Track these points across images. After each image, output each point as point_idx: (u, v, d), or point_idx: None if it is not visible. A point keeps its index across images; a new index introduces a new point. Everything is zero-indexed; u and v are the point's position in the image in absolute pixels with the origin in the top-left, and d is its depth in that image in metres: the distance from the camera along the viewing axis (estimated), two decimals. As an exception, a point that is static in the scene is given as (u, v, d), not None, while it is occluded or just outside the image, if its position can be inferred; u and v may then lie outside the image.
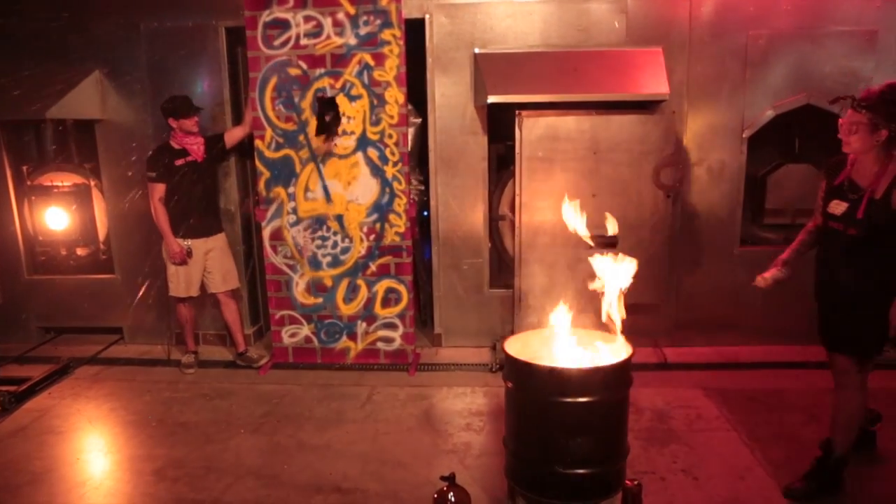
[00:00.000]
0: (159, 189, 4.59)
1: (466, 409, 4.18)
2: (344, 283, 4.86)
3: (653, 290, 4.75)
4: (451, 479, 2.75)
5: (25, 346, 5.41)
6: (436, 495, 2.77)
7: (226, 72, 4.97)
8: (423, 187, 5.18)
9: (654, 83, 4.48)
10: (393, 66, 4.53)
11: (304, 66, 4.58)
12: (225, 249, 4.93)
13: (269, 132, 4.69)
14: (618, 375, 2.69)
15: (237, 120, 4.99)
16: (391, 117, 4.60)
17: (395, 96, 4.56)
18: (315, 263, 4.85)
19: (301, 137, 4.68)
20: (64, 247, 5.51)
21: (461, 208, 5.03)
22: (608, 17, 4.68)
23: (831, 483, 3.14)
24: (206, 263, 4.81)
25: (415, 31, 4.75)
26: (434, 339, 5.29)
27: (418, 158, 5.17)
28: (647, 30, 4.68)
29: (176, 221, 4.65)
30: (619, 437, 2.80)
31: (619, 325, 2.84)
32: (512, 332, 3.11)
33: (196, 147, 4.66)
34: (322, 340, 4.96)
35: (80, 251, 5.54)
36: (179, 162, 4.61)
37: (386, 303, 4.86)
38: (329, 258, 4.83)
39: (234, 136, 4.85)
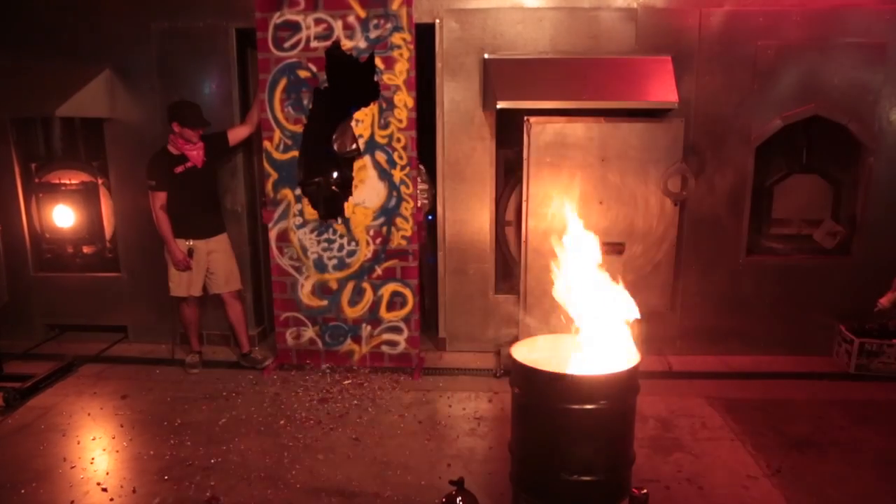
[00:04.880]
0: (160, 197, 4.57)
1: (471, 413, 4.18)
2: (349, 286, 4.86)
3: (659, 297, 4.75)
4: (459, 484, 2.74)
5: (30, 342, 5.42)
6: (444, 499, 2.76)
7: (235, 73, 4.98)
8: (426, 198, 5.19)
9: (663, 91, 4.49)
10: (402, 70, 4.54)
11: (313, 68, 4.60)
12: (227, 250, 4.92)
13: (277, 133, 4.70)
14: (625, 383, 2.69)
15: (246, 122, 5.00)
16: (400, 121, 4.60)
17: (405, 100, 4.57)
18: (320, 266, 4.85)
19: (309, 139, 4.69)
20: (70, 244, 5.52)
21: (468, 213, 5.03)
22: (618, 25, 4.69)
23: None
24: (209, 265, 4.81)
25: (425, 36, 4.76)
26: (438, 344, 5.28)
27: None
28: (656, 38, 4.69)
29: (177, 224, 4.64)
30: (625, 445, 2.79)
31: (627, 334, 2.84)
32: (517, 338, 3.11)
33: (195, 153, 4.62)
34: (326, 343, 4.96)
35: (86, 249, 5.56)
36: (179, 169, 4.58)
37: (391, 306, 4.86)
38: (335, 261, 4.83)
39: (238, 134, 4.84)
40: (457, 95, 4.85)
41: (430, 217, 5.31)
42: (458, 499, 2.73)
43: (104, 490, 3.36)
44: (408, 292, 4.83)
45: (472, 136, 4.90)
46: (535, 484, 2.79)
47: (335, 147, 5.05)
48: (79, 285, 5.48)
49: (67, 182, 5.37)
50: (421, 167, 4.92)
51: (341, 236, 4.79)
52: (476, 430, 3.95)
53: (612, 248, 4.54)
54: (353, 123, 4.65)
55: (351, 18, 4.52)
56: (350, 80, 4.65)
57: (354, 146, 4.76)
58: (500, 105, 4.47)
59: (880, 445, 3.73)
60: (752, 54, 4.68)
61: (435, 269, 5.24)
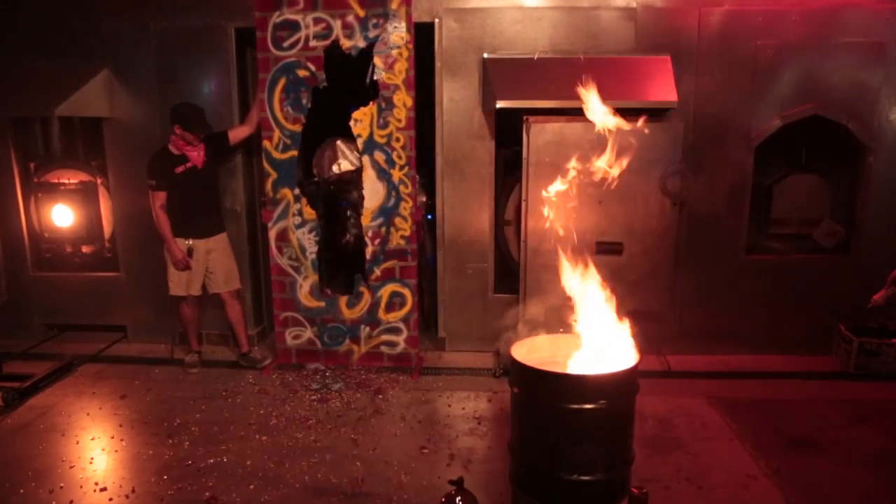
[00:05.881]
0: (160, 197, 4.58)
1: (470, 413, 4.18)
2: (348, 286, 4.86)
3: (658, 297, 4.74)
4: (459, 483, 2.74)
5: (29, 342, 5.41)
6: (443, 499, 2.76)
7: (234, 73, 4.98)
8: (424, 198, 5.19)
9: (663, 91, 4.48)
10: (402, 69, 4.54)
11: (312, 68, 4.59)
12: (226, 250, 4.92)
13: (276, 133, 4.70)
14: (625, 382, 2.69)
15: (245, 121, 5.00)
16: (399, 121, 4.60)
17: (404, 100, 4.57)
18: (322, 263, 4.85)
19: (309, 139, 4.69)
20: (69, 244, 5.52)
21: (467, 212, 5.03)
22: (617, 24, 4.69)
23: None
24: (208, 264, 4.81)
25: (424, 36, 4.76)
26: (438, 343, 5.28)
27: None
28: (655, 37, 4.69)
29: (177, 223, 4.64)
30: (624, 445, 2.79)
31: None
32: (516, 337, 3.10)
33: (196, 154, 4.62)
34: (325, 343, 4.95)
35: (85, 249, 5.55)
36: (179, 169, 4.58)
37: (390, 307, 4.85)
38: (334, 260, 4.83)
39: (238, 134, 4.84)
40: (456, 95, 4.85)
41: (429, 217, 5.31)
42: (458, 498, 2.73)
43: (103, 490, 3.35)
44: (407, 292, 4.82)
45: (472, 136, 4.90)
46: (534, 483, 2.79)
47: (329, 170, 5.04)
48: (78, 285, 5.48)
49: (66, 181, 5.37)
50: (416, 175, 4.91)
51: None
52: (475, 430, 3.95)
53: (612, 248, 4.54)
54: (351, 123, 4.65)
55: (350, 18, 4.51)
56: (349, 80, 4.65)
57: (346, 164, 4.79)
58: (500, 104, 4.47)
59: (879, 445, 3.73)
60: (751, 54, 4.67)
61: (434, 269, 5.24)
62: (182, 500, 3.26)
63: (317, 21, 4.54)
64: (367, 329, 4.90)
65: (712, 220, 4.92)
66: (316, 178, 5.05)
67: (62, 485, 3.40)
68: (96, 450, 3.79)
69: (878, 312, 4.46)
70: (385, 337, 4.90)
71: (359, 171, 4.74)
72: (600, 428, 2.67)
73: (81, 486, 3.39)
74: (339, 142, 4.88)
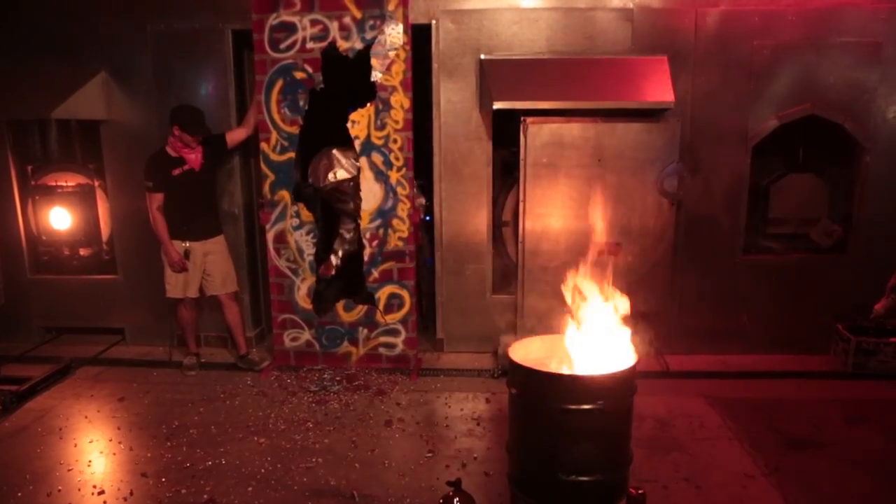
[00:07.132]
0: (157, 198, 4.58)
1: (468, 414, 4.17)
2: (346, 288, 4.86)
3: (655, 297, 4.74)
4: (456, 485, 2.74)
5: (27, 345, 5.40)
6: (441, 500, 2.76)
7: (231, 74, 4.97)
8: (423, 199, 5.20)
9: (660, 91, 4.49)
10: (399, 70, 4.54)
11: (309, 69, 4.59)
12: (224, 252, 4.91)
13: (274, 135, 4.70)
14: (622, 383, 2.69)
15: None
16: (396, 122, 4.60)
17: (401, 101, 4.57)
18: (317, 269, 4.84)
19: (306, 141, 4.68)
20: (67, 247, 5.51)
21: (465, 214, 5.03)
22: (614, 25, 4.70)
23: None
24: (206, 266, 4.80)
25: (422, 37, 4.76)
26: (436, 345, 5.28)
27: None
28: (652, 38, 4.70)
29: (174, 226, 4.64)
30: (622, 445, 2.80)
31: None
32: (515, 338, 3.11)
33: (194, 156, 4.62)
34: (323, 345, 4.95)
35: (82, 251, 5.54)
36: (176, 171, 4.58)
37: (388, 309, 4.85)
38: (332, 262, 4.83)
39: (236, 137, 4.84)
40: (453, 96, 4.85)
41: (427, 218, 5.31)
42: (455, 500, 2.73)
43: (101, 493, 3.35)
44: (405, 293, 4.82)
45: (469, 137, 4.90)
46: (532, 484, 2.79)
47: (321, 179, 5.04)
48: (76, 287, 5.47)
49: (64, 184, 5.36)
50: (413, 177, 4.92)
51: (338, 237, 4.79)
52: (474, 431, 3.95)
53: (610, 249, 4.55)
54: (348, 125, 4.65)
55: (347, 19, 4.52)
56: (346, 82, 4.65)
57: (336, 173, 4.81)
58: (497, 105, 4.47)
59: (877, 444, 3.73)
60: (748, 54, 4.68)
61: (432, 270, 5.23)
62: (180, 503, 3.26)
63: (314, 23, 4.54)
64: (366, 331, 4.90)
65: (710, 220, 4.92)
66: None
67: (60, 488, 3.40)
68: (94, 452, 3.78)
69: (880, 319, 4.47)
70: (383, 338, 4.90)
71: (356, 176, 4.75)
72: (598, 428, 2.67)
73: (79, 489, 3.38)
74: (334, 151, 4.88)
